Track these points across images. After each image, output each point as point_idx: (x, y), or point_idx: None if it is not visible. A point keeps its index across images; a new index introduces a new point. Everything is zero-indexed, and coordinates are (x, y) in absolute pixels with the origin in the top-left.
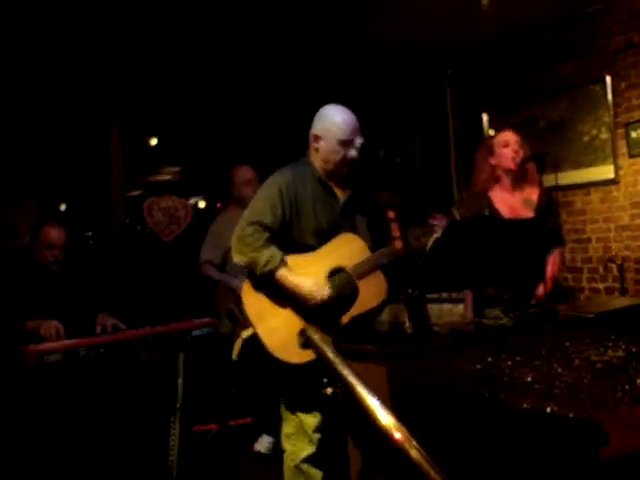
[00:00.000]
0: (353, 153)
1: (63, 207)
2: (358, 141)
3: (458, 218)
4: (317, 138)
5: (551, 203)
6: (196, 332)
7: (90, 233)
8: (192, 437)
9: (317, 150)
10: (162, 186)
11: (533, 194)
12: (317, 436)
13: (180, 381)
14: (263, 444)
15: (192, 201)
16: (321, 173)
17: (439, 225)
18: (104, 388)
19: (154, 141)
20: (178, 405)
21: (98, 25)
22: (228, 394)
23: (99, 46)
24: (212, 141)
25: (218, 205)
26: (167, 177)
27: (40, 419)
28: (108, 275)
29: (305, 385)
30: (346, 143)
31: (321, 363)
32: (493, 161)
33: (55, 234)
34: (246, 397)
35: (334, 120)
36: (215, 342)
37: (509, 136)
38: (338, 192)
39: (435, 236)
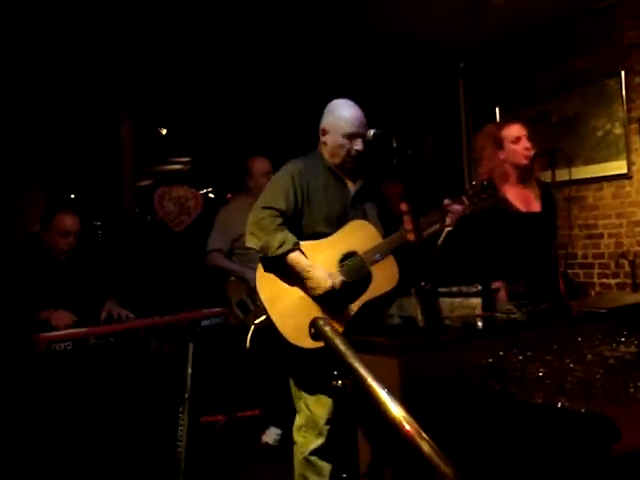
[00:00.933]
0: (359, 146)
1: (72, 196)
2: (369, 131)
3: (467, 203)
4: (324, 132)
5: (553, 197)
6: (205, 322)
7: (99, 222)
8: (200, 428)
9: (325, 144)
10: (172, 176)
11: (537, 189)
12: (327, 428)
13: (189, 371)
14: (271, 436)
15: (202, 192)
16: (331, 164)
17: (452, 210)
18: (113, 377)
19: (165, 131)
20: (187, 395)
21: (110, 15)
22: (237, 385)
23: (111, 36)
24: (223, 132)
25: (228, 196)
26: (177, 167)
27: (50, 407)
28: (117, 264)
29: (317, 372)
30: (351, 136)
31: (332, 355)
32: (502, 156)
33: (69, 222)
34: (254, 388)
35: (340, 114)
36: (224, 332)
37: (519, 130)
38: (349, 182)
39: (447, 229)
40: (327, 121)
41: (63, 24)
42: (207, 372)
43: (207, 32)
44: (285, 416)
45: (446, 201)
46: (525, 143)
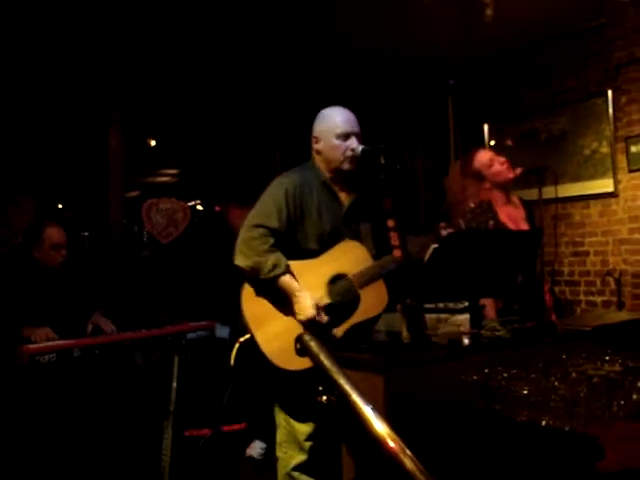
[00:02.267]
0: (354, 144)
1: (60, 206)
2: (357, 147)
3: (464, 227)
4: (317, 140)
5: (534, 216)
6: (191, 335)
7: (87, 233)
8: (185, 441)
9: (319, 152)
10: (160, 188)
11: (522, 207)
12: (308, 444)
13: (174, 385)
14: (255, 449)
15: (191, 204)
16: (326, 176)
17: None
18: (98, 390)
19: (153, 142)
20: (171, 409)
21: (99, 25)
22: (222, 398)
23: (100, 46)
24: (211, 144)
25: (217, 208)
26: (165, 179)
27: (33, 419)
28: (104, 276)
29: (299, 393)
30: (344, 136)
31: (317, 370)
32: (487, 185)
33: (59, 234)
34: (240, 402)
35: (328, 117)
36: (210, 346)
37: (486, 153)
38: (342, 196)
39: (433, 246)
40: (318, 129)
41: (52, 36)
42: (193, 385)
43: (196, 43)
44: (270, 430)
45: (442, 225)
46: (498, 160)
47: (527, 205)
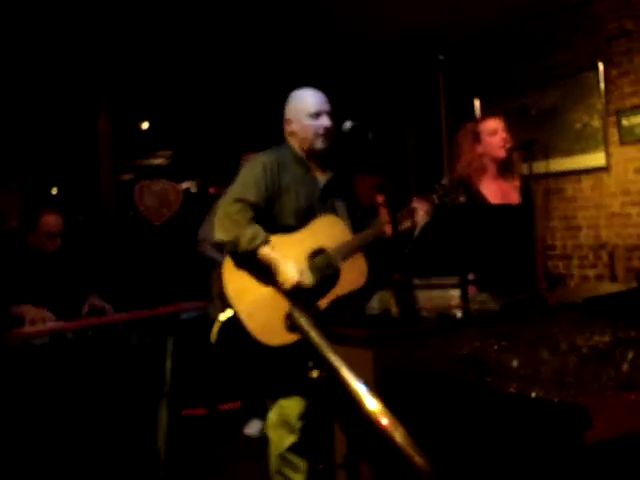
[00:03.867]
0: (326, 122)
1: (54, 192)
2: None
3: (437, 202)
4: (289, 122)
5: (530, 190)
6: (185, 315)
7: (81, 217)
8: (181, 421)
9: (292, 134)
10: (154, 170)
11: (516, 181)
12: (300, 424)
13: (168, 365)
14: (253, 427)
15: (184, 185)
16: (302, 154)
17: (421, 208)
18: (92, 371)
19: (146, 125)
20: (166, 389)
21: (86, 8)
22: (217, 378)
23: (87, 28)
24: (205, 126)
25: (210, 190)
26: (159, 161)
27: (26, 402)
28: (98, 259)
29: (286, 369)
30: (316, 115)
31: (307, 346)
32: (480, 149)
33: (55, 222)
34: (235, 381)
35: (299, 98)
36: (204, 325)
37: (496, 123)
38: (318, 174)
39: (423, 222)
40: (288, 110)
41: (39, 20)
42: (187, 365)
43: (187, 23)
44: (266, 408)
45: (415, 199)
46: (502, 135)
47: (525, 180)
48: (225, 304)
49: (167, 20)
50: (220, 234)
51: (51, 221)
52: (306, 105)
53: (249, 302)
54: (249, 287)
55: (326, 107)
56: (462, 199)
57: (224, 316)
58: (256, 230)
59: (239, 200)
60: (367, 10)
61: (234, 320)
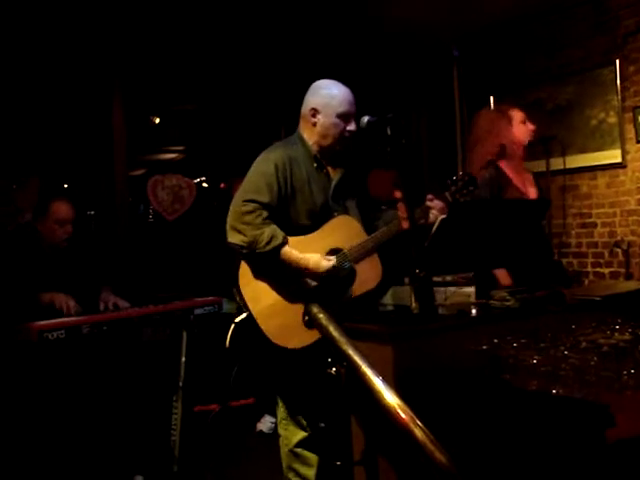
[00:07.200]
0: (352, 127)
1: (66, 186)
2: (363, 118)
3: (450, 199)
4: (315, 112)
5: (539, 187)
6: (199, 311)
7: (92, 212)
8: (194, 417)
9: (315, 125)
10: (166, 165)
11: (529, 175)
12: (309, 420)
13: (183, 360)
14: (265, 424)
15: (196, 181)
16: (316, 151)
17: (434, 207)
18: (107, 366)
19: (158, 120)
20: (181, 384)
21: (101, 3)
22: (230, 374)
23: (101, 23)
24: (216, 121)
25: (222, 185)
26: (171, 156)
27: (43, 396)
28: (111, 253)
29: (299, 370)
30: (345, 116)
31: (326, 342)
32: (515, 132)
33: (66, 210)
34: (248, 377)
35: (332, 93)
36: (218, 321)
37: (522, 114)
38: (330, 171)
39: (441, 217)
40: (317, 101)
41: (52, 14)
42: (201, 361)
43: (199, 19)
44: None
45: (429, 197)
46: (530, 127)
47: (535, 177)
48: (241, 307)
49: (181, 15)
50: (234, 237)
51: (62, 208)
52: (338, 103)
53: (265, 305)
54: (264, 290)
55: (354, 110)
56: (475, 196)
57: (239, 318)
58: (273, 229)
59: (250, 201)
60: (382, 5)
61: (249, 321)
